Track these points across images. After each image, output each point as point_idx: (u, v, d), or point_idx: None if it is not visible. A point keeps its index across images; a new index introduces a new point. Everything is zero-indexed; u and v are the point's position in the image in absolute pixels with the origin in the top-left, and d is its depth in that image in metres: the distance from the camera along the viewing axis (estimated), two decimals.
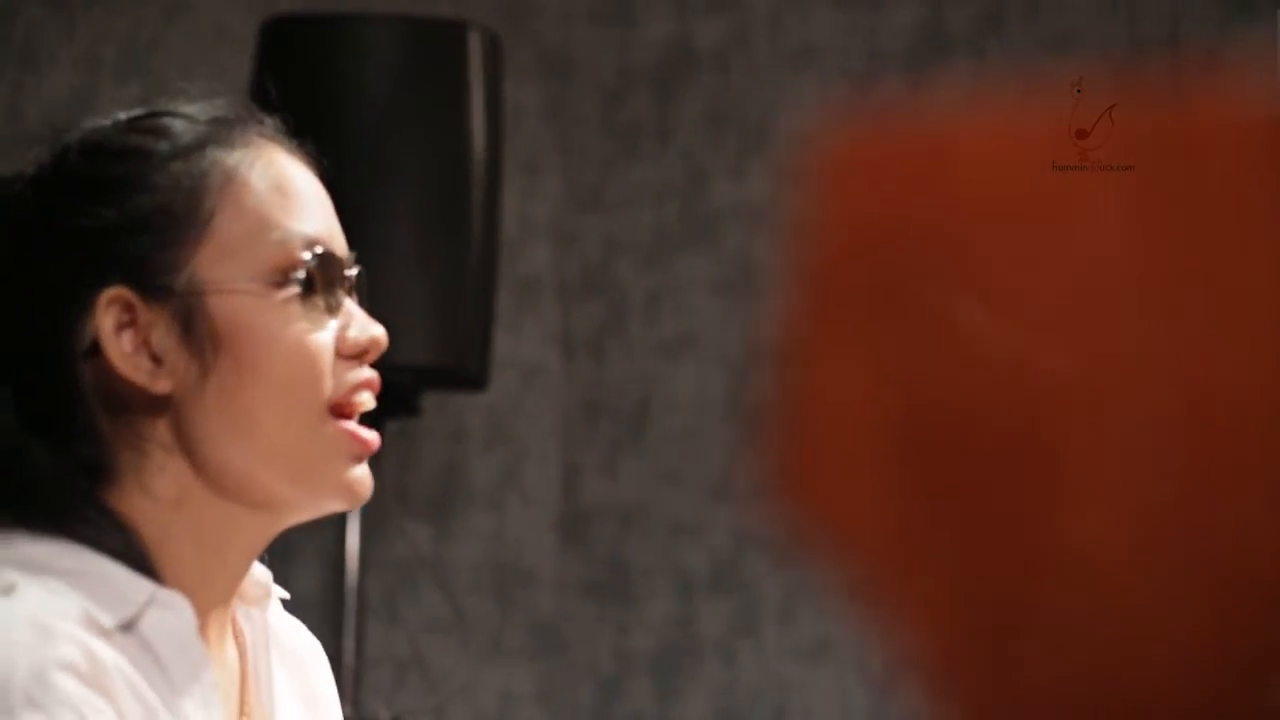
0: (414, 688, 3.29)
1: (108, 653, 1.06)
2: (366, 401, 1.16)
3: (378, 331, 1.16)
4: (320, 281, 1.15)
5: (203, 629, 1.13)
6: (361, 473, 1.15)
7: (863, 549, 0.57)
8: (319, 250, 1.15)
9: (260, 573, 1.20)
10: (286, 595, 1.24)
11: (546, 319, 3.49)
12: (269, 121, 1.19)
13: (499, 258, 2.99)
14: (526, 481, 3.46)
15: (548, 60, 3.51)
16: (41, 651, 1.04)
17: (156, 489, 1.13)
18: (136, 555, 1.11)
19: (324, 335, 1.14)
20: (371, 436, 1.16)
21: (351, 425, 1.15)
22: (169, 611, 1.10)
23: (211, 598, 1.15)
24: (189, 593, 1.12)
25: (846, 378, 0.56)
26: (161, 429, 1.14)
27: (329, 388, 1.14)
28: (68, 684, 1.03)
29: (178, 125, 1.16)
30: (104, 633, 1.07)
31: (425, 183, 2.91)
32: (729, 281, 3.40)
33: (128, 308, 1.13)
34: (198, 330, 1.13)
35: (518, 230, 3.32)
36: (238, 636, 1.19)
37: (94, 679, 1.04)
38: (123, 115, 1.18)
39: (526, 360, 3.42)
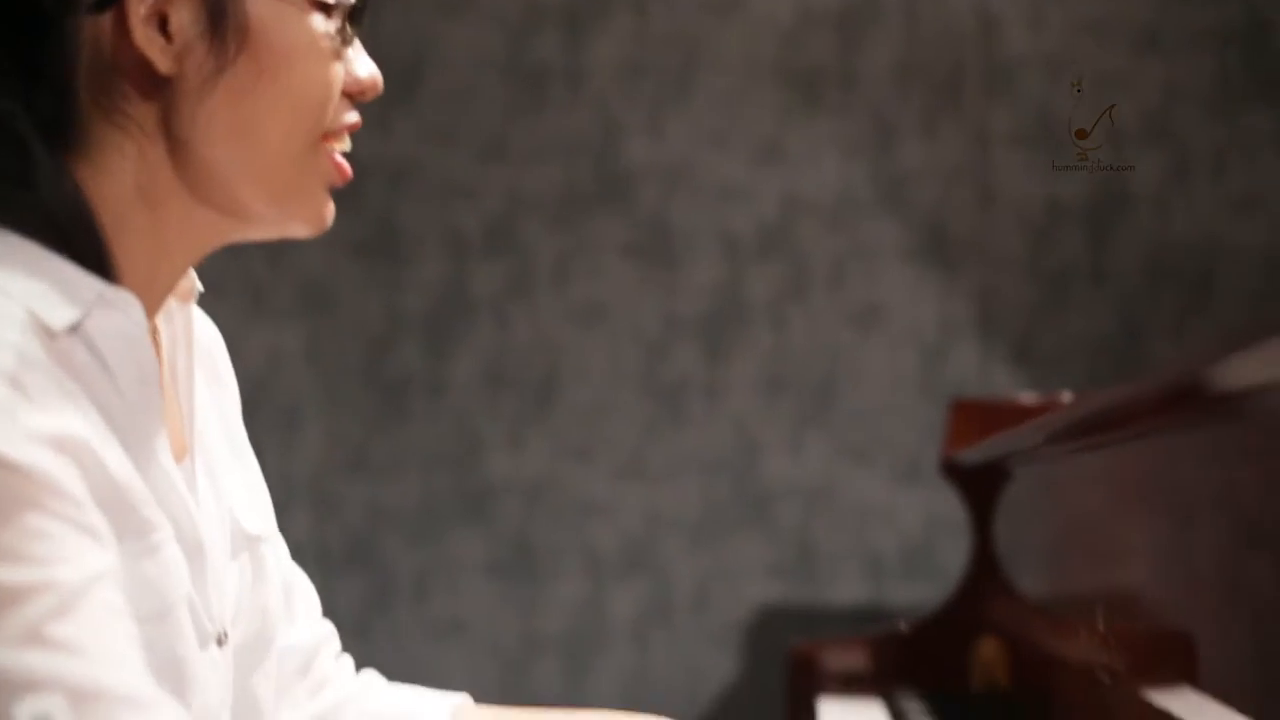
0: None
1: (51, 359, 1.01)
2: (347, 144, 1.17)
3: (379, 75, 1.17)
4: (352, 12, 1.15)
5: None
6: (330, 205, 1.17)
7: None
8: None
9: (193, 274, 1.21)
10: (202, 289, 1.23)
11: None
12: None
13: None
14: None
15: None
16: None
17: (123, 173, 1.10)
18: (88, 239, 1.07)
19: (340, 66, 1.15)
20: (349, 170, 1.17)
21: (338, 155, 1.16)
22: (117, 312, 1.06)
23: (153, 299, 1.14)
24: (135, 292, 1.08)
25: None
26: (147, 112, 1.10)
27: (330, 117, 1.14)
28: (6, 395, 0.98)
29: None
30: (50, 336, 1.02)
31: None
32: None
33: None
34: (227, 23, 1.09)
35: None
36: (154, 335, 1.18)
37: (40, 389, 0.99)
38: None
39: None
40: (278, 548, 1.45)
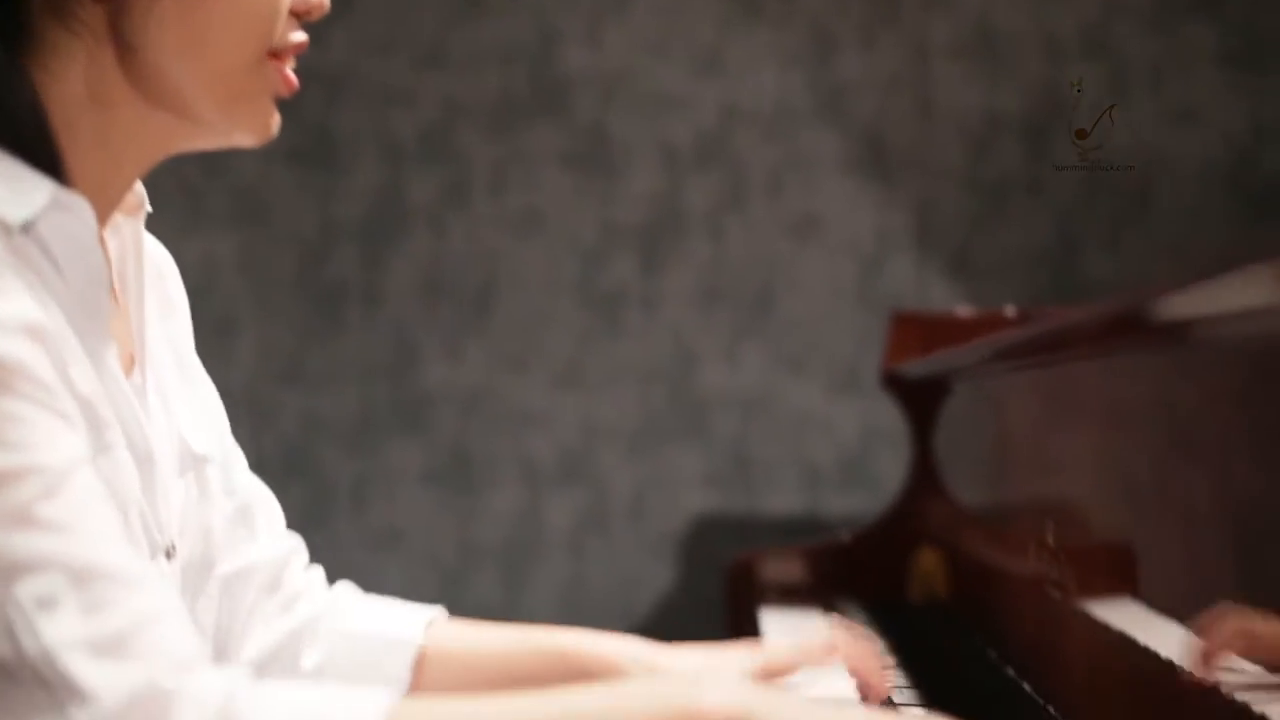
0: None
1: (9, 253, 1.03)
2: (291, 64, 1.19)
3: None
4: None
5: None
6: (276, 115, 1.19)
7: None
8: None
9: (138, 185, 1.22)
10: (150, 209, 1.25)
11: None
12: None
13: None
14: None
15: None
16: None
17: (74, 77, 1.11)
18: (42, 142, 1.08)
19: None
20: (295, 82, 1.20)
21: (286, 68, 1.18)
22: (69, 215, 1.08)
23: (103, 207, 1.15)
24: (86, 197, 1.10)
25: None
26: (99, 17, 1.11)
27: (278, 34, 1.16)
28: None
29: None
30: (6, 232, 1.04)
31: None
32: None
33: None
34: None
35: None
36: (102, 245, 1.17)
37: None
38: None
39: None
40: (235, 466, 1.44)
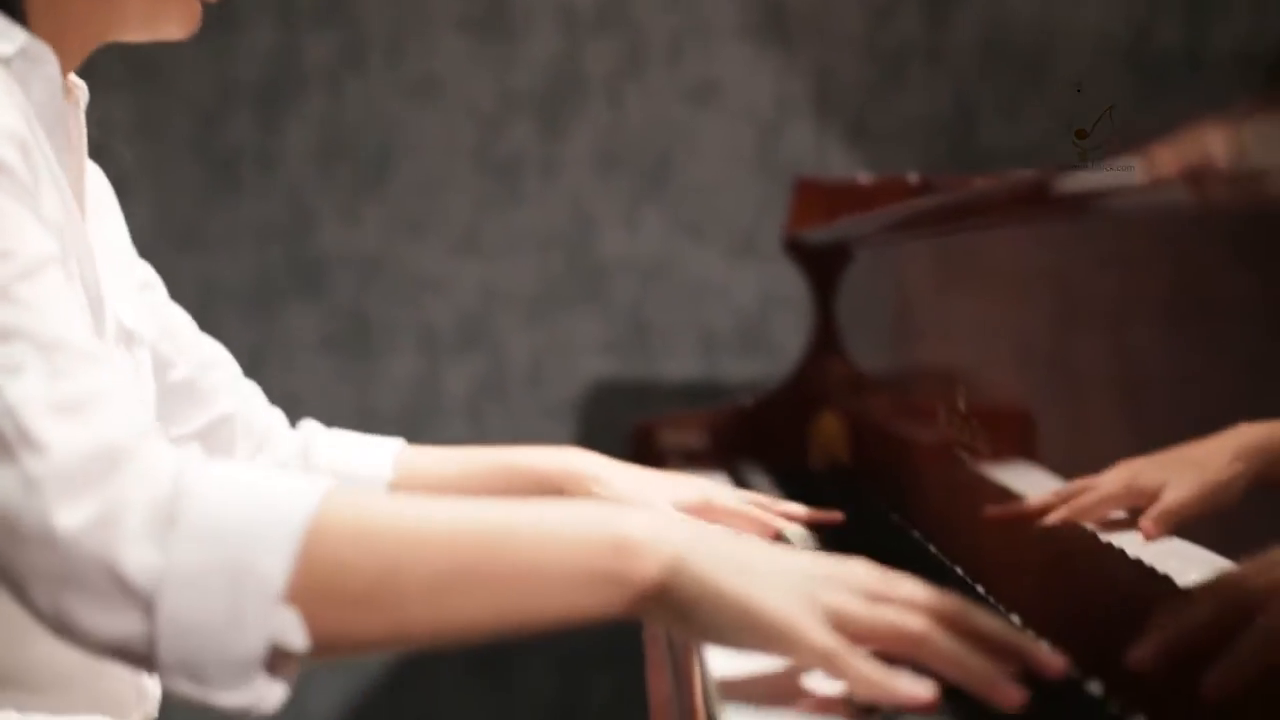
0: None
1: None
2: None
3: None
4: None
5: None
6: (199, 4, 1.27)
7: None
8: None
9: (78, 79, 1.31)
10: (88, 98, 1.34)
11: None
12: None
13: None
14: None
15: None
16: None
17: None
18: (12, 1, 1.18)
19: None
20: None
21: None
22: (39, 64, 1.18)
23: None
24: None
25: None
26: None
27: None
28: None
29: None
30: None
31: None
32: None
33: None
34: None
35: None
36: None
37: None
38: None
39: None
40: (182, 333, 1.50)
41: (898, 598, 0.99)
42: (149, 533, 0.95)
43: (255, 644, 0.95)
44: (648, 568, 0.98)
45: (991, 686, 0.95)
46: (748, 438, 2.50)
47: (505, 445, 3.31)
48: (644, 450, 2.53)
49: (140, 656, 0.96)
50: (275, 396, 3.26)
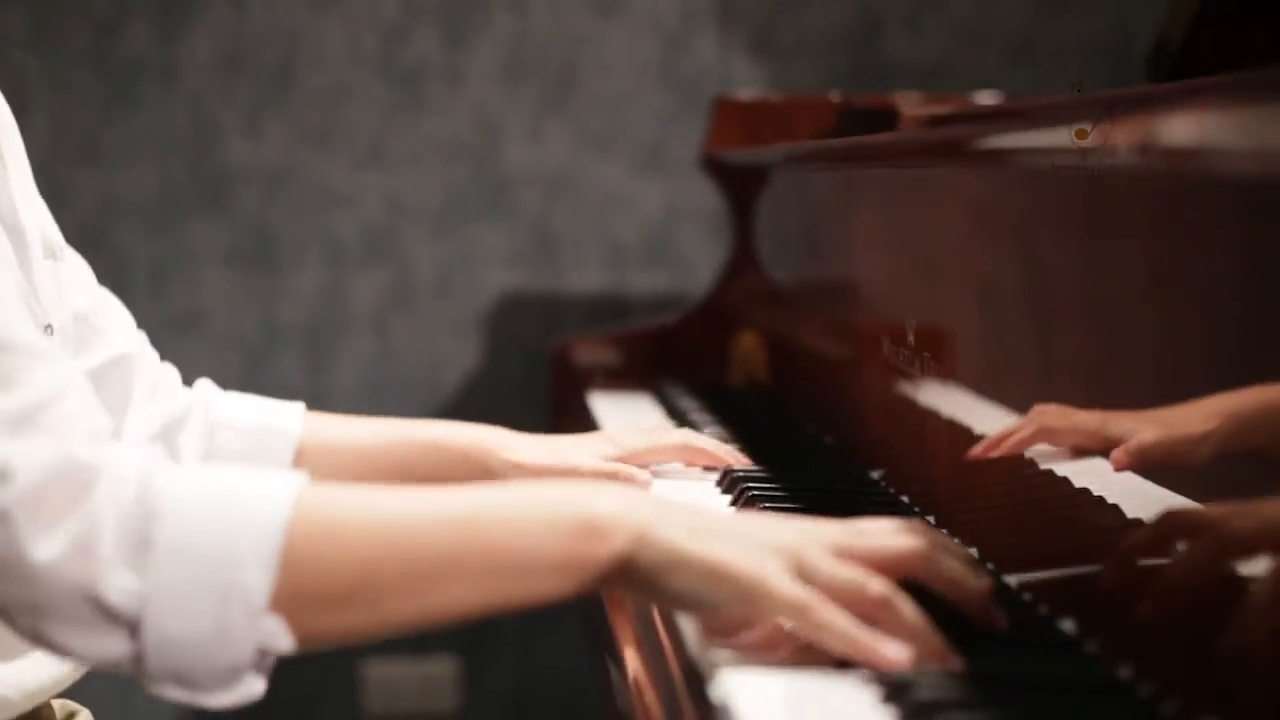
0: None
1: None
2: None
3: None
4: None
5: None
6: None
7: None
8: None
9: None
10: None
11: None
12: None
13: None
14: None
15: None
16: None
17: None
18: None
19: None
20: None
21: None
22: None
23: None
24: None
25: None
26: None
27: None
28: None
29: None
30: None
31: None
32: None
33: None
34: None
35: None
36: None
37: None
38: None
39: None
40: (81, 267, 1.45)
41: (866, 551, 1.01)
42: (125, 557, 0.94)
43: (243, 652, 0.96)
44: (617, 544, 0.99)
45: (943, 658, 0.97)
46: (669, 356, 2.52)
47: (411, 360, 3.30)
48: (564, 370, 2.55)
49: (129, 668, 0.97)
50: (177, 312, 3.25)
